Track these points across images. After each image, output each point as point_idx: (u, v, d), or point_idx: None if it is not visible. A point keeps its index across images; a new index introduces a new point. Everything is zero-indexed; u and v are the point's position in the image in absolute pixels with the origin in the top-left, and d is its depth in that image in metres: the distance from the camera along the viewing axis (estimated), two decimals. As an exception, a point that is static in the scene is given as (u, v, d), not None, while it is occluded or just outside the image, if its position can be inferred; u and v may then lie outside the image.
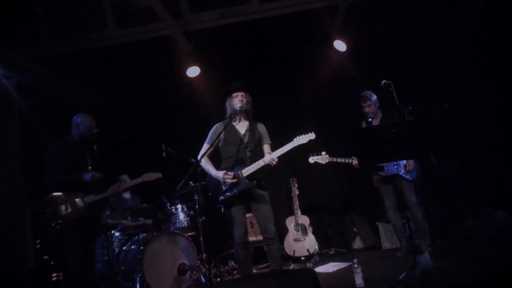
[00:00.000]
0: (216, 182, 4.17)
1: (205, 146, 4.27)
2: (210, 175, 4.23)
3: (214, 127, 4.33)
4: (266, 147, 4.29)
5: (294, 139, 4.07)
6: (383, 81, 4.64)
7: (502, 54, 5.91)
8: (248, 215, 4.30)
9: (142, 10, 5.43)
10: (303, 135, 4.08)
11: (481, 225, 5.50)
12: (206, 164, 4.22)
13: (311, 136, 4.07)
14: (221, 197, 4.11)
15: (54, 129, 5.58)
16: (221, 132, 4.17)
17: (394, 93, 4.53)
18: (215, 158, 4.34)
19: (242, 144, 4.18)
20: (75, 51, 6.12)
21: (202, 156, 4.13)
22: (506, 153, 5.88)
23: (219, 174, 4.12)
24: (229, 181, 4.04)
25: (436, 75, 6.33)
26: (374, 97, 5.26)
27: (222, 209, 4.22)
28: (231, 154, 4.19)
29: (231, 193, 4.07)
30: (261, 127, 4.35)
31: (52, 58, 6.12)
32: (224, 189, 4.11)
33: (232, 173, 4.06)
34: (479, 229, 5.44)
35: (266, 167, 4.06)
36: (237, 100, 4.20)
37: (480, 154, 6.04)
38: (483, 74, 6.10)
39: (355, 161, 5.13)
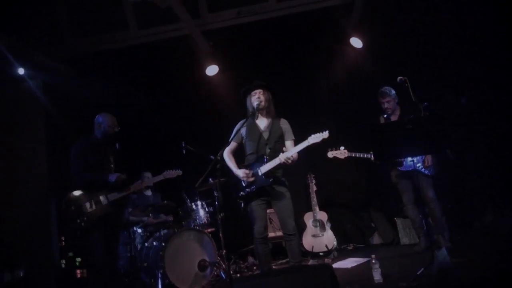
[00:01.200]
0: (237, 177, 4.22)
1: (229, 143, 4.30)
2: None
3: (238, 124, 4.34)
4: (289, 144, 4.24)
5: (309, 138, 4.04)
6: (399, 78, 4.61)
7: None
8: (268, 210, 4.32)
9: (162, 10, 5.53)
10: (318, 133, 4.03)
11: (500, 220, 5.45)
12: (229, 161, 4.28)
13: (325, 135, 4.01)
14: (241, 193, 4.17)
15: (78, 128, 5.72)
16: (239, 129, 4.23)
17: (410, 89, 4.51)
18: (239, 155, 4.39)
19: (262, 140, 4.21)
20: (98, 51, 6.26)
21: (222, 151, 4.10)
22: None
23: (239, 172, 4.17)
24: (248, 179, 4.11)
25: (453, 70, 6.27)
26: (393, 92, 5.24)
27: (242, 204, 4.23)
28: (252, 151, 4.24)
29: (249, 189, 4.12)
30: (284, 124, 4.32)
31: (76, 59, 6.26)
32: (243, 185, 4.16)
33: (251, 171, 4.11)
34: (498, 225, 5.39)
35: (285, 165, 4.07)
36: (255, 98, 4.23)
37: (499, 149, 5.97)
38: (502, 68, 6.01)
39: (373, 156, 5.10)
